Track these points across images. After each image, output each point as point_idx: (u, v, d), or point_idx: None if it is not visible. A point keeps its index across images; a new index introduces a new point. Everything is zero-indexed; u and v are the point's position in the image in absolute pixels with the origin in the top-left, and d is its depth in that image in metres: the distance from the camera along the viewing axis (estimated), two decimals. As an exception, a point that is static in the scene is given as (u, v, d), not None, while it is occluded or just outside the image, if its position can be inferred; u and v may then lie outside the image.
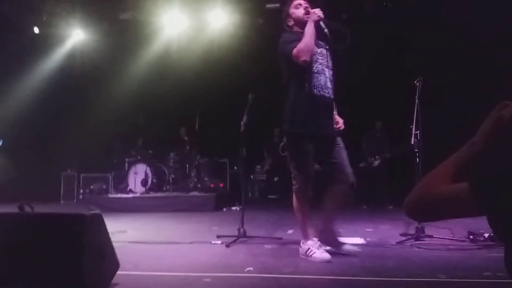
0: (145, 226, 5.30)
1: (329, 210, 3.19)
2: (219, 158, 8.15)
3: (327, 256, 2.94)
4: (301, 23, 3.12)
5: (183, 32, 8.26)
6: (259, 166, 8.94)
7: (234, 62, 8.06)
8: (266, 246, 3.61)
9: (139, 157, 7.57)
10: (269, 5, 7.95)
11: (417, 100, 3.79)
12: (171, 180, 7.43)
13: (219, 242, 3.75)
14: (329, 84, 3.08)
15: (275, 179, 8.45)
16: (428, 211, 0.91)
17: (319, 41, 3.11)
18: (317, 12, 3.04)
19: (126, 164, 7.55)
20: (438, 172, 0.91)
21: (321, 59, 3.07)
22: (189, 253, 3.32)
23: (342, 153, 3.14)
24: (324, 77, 3.06)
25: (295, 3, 3.20)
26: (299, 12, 3.15)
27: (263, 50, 8.03)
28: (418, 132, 3.71)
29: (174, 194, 7.08)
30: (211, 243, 3.76)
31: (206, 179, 7.39)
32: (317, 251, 3.00)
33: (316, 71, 3.04)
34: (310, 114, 3.02)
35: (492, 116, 0.89)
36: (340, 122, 3.23)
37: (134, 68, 8.74)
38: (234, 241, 3.71)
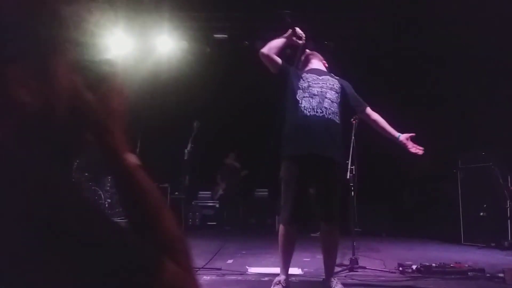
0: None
1: (322, 254, 3.06)
2: (160, 183, 7.95)
3: None
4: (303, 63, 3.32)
5: (128, 55, 8.15)
6: (202, 192, 8.85)
7: (180, 87, 8.06)
8: (205, 277, 3.56)
9: (73, 180, 7.20)
10: (217, 35, 8.11)
11: (353, 137, 4.00)
12: (107, 205, 7.13)
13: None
14: (326, 105, 2.95)
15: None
16: None
17: (325, 71, 3.22)
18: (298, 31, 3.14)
19: (59, 188, 7.14)
20: None
21: (322, 83, 3.05)
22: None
23: (330, 187, 2.94)
24: (319, 98, 2.97)
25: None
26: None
27: (210, 77, 8.15)
28: (354, 167, 3.90)
29: (110, 220, 6.79)
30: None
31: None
32: (272, 287, 2.92)
33: (308, 94, 2.98)
34: (299, 135, 2.93)
35: None
36: (410, 145, 3.06)
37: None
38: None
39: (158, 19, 7.65)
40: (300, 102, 2.98)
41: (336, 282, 2.97)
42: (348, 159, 3.90)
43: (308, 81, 3.05)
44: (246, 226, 8.19)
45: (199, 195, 8.82)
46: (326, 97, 2.99)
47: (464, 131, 6.37)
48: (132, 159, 0.66)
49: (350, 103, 3.16)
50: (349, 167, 3.88)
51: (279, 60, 3.08)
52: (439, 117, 6.96)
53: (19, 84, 0.54)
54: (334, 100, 3.01)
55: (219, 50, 8.21)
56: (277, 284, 2.92)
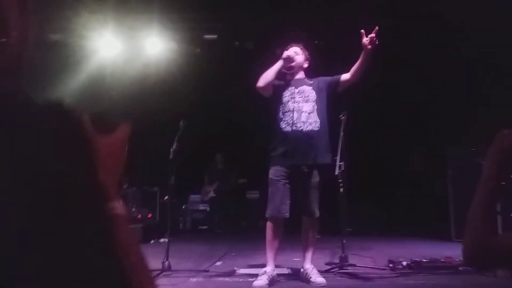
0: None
1: (303, 243, 3.46)
2: (149, 187, 7.85)
3: (257, 284, 3.14)
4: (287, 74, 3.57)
5: (117, 57, 8.08)
6: (194, 195, 8.73)
7: (170, 89, 7.99)
8: (192, 279, 3.49)
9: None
10: (206, 36, 8.06)
11: (342, 133, 3.94)
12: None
13: (141, 275, 3.55)
14: (303, 118, 3.34)
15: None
16: (502, 261, 0.97)
17: (302, 80, 3.52)
18: (285, 53, 3.47)
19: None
20: (474, 220, 0.94)
21: (299, 96, 3.41)
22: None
23: (309, 188, 3.36)
24: (297, 113, 3.35)
25: (291, 47, 3.60)
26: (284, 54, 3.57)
27: (200, 78, 8.10)
28: (343, 163, 3.84)
29: (99, 225, 6.67)
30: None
31: (133, 209, 7.06)
32: (259, 277, 3.21)
33: (288, 109, 3.38)
34: (281, 149, 3.37)
35: (495, 147, 0.91)
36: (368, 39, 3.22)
37: (63, 92, 8.32)
38: (157, 275, 3.54)
39: (147, 20, 7.60)
40: (281, 118, 3.40)
41: (313, 268, 3.30)
42: (337, 155, 3.84)
43: (287, 96, 3.43)
44: (238, 229, 8.11)
45: (190, 199, 8.72)
46: (302, 111, 3.36)
47: (452, 128, 6.36)
48: (119, 208, 0.57)
49: (333, 89, 3.49)
50: (337, 163, 3.82)
51: (271, 89, 3.47)
52: (427, 114, 6.96)
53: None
54: (310, 111, 3.38)
55: (209, 51, 8.16)
56: (263, 274, 3.20)
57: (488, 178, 0.92)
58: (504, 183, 0.92)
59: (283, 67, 3.45)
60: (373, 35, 3.19)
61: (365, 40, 3.21)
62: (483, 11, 5.22)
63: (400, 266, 3.62)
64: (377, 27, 3.19)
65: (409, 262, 3.61)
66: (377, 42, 3.20)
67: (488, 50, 5.53)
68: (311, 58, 3.67)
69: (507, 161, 0.90)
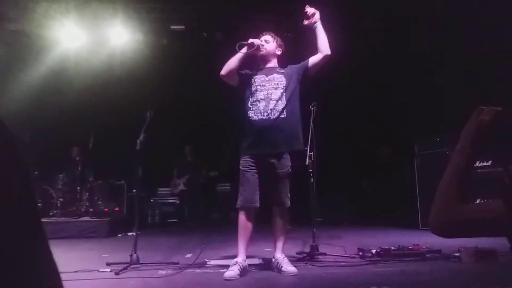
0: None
1: (273, 233, 3.44)
2: (116, 180, 7.64)
3: (228, 274, 3.07)
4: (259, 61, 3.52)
5: (81, 48, 7.76)
6: (162, 189, 8.57)
7: (136, 80, 7.77)
8: (160, 272, 3.40)
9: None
10: (173, 27, 7.87)
11: (311, 124, 3.94)
12: (59, 204, 6.75)
13: (108, 269, 3.43)
14: (271, 106, 3.28)
15: None
16: (464, 231, 0.94)
17: (273, 68, 3.46)
18: (250, 39, 3.38)
19: (7, 187, 6.68)
20: (447, 188, 0.93)
21: (268, 85, 3.36)
22: (71, 283, 2.97)
23: (279, 178, 3.32)
24: (266, 102, 3.30)
25: (263, 35, 3.53)
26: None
27: (167, 70, 7.91)
28: (313, 153, 3.84)
29: (63, 219, 6.43)
30: (99, 271, 3.43)
31: (99, 202, 6.86)
32: (230, 268, 3.16)
33: (256, 98, 3.33)
34: (251, 137, 3.33)
35: (472, 121, 0.94)
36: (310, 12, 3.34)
37: (24, 83, 7.93)
38: (125, 268, 3.44)
39: (111, 10, 7.33)
40: (250, 108, 3.36)
41: (284, 257, 3.30)
42: (307, 145, 3.83)
43: (256, 85, 3.37)
44: (209, 221, 8.03)
45: (159, 192, 8.56)
46: (271, 99, 3.31)
47: (420, 118, 6.50)
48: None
49: (304, 74, 3.42)
50: (308, 153, 3.82)
51: (236, 77, 3.40)
52: (395, 105, 7.09)
53: None
54: (279, 98, 3.31)
55: (176, 42, 7.97)
56: (234, 264, 3.16)
57: (462, 148, 0.93)
58: (477, 157, 0.95)
59: (248, 53, 3.35)
60: (306, 10, 3.32)
61: (306, 21, 3.34)
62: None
63: (369, 254, 3.66)
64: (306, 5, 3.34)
65: (378, 250, 3.66)
66: (313, 12, 3.33)
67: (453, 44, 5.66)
68: (284, 45, 3.61)
69: (481, 137, 0.92)
